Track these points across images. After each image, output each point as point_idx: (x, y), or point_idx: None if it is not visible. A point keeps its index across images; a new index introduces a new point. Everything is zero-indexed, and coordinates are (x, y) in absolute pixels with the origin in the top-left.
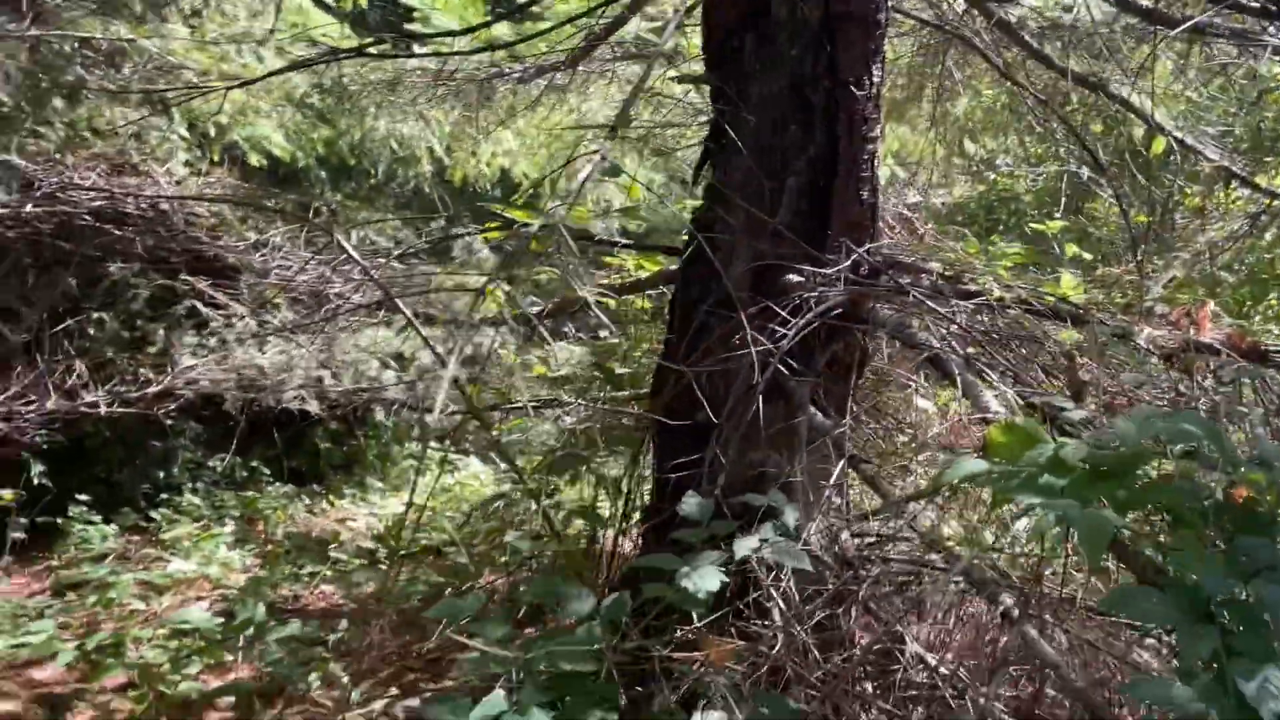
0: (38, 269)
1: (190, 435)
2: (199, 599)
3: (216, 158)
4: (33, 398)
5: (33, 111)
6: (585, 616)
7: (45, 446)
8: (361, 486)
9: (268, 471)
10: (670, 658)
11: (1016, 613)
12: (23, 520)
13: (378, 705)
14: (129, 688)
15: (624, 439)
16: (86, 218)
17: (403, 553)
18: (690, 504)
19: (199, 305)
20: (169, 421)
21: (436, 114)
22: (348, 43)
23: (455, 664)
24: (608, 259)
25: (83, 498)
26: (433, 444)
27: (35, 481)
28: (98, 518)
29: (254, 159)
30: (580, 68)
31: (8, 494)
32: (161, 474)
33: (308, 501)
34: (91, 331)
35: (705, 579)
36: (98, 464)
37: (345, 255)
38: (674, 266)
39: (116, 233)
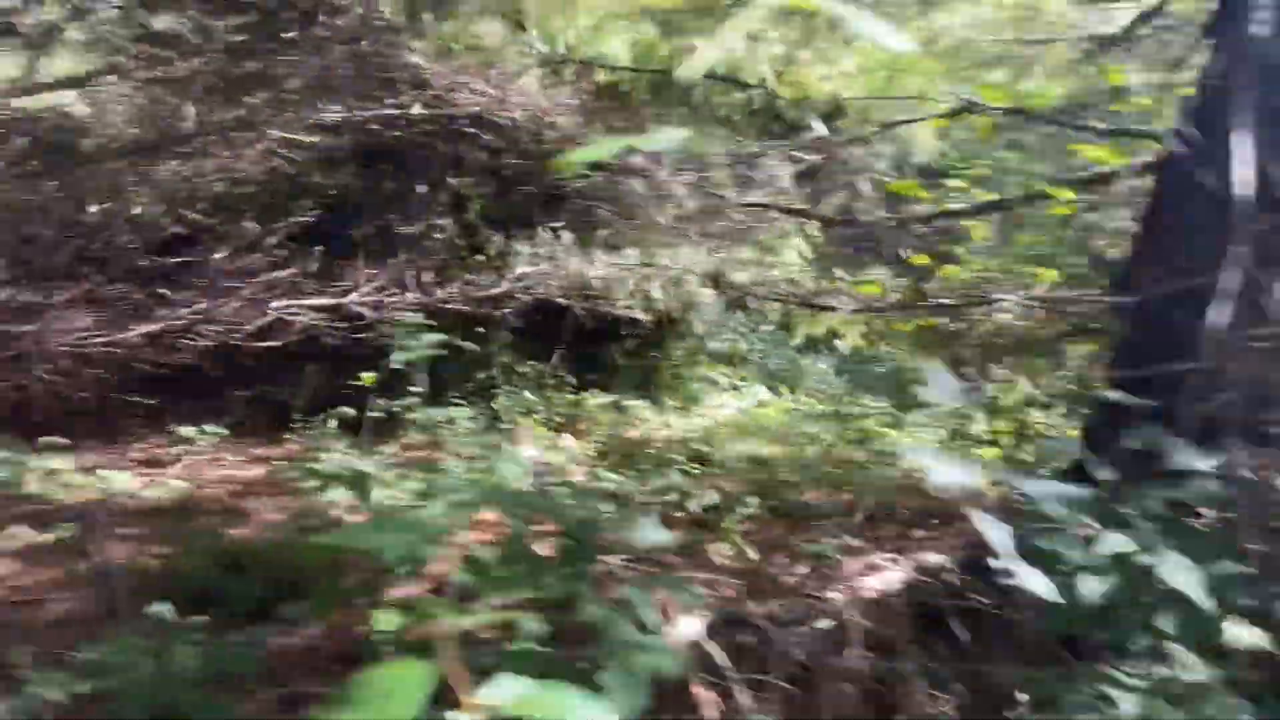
0: (406, 171)
1: (501, 341)
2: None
3: (568, 74)
4: (396, 290)
5: (409, 24)
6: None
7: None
8: (656, 403)
9: (572, 381)
10: None
11: None
12: (380, 401)
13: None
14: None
15: (1073, 337)
16: (463, 121)
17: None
18: None
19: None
20: (479, 329)
21: (774, 32)
22: None
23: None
24: (1072, 146)
25: (416, 389)
26: (720, 368)
27: (393, 367)
28: (461, 401)
29: (601, 75)
30: None
31: (369, 376)
32: (480, 374)
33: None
34: (437, 236)
35: None
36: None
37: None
38: (1142, 160)
39: (486, 138)
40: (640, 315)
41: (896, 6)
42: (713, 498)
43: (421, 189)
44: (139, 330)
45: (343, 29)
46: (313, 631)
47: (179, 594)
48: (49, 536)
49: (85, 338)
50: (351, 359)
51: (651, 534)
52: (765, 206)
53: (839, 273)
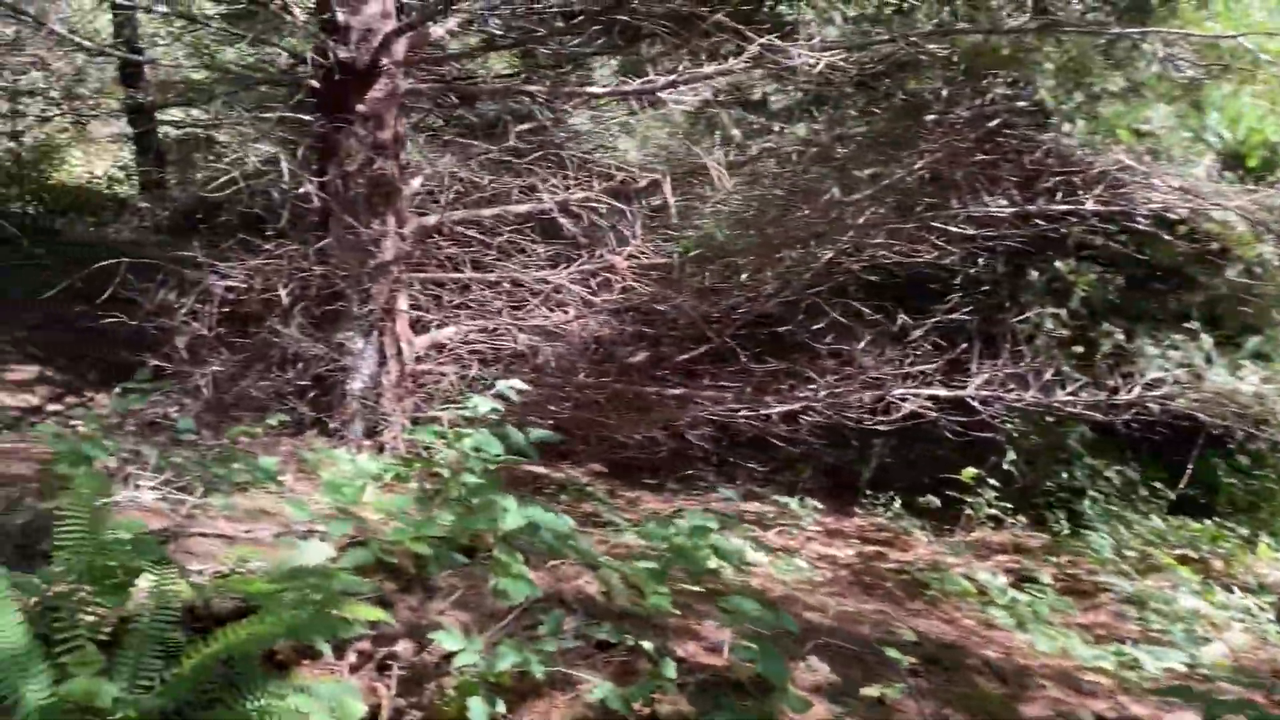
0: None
1: (1076, 437)
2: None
3: (1254, 163)
4: (1014, 386)
5: (1057, 108)
6: None
7: (1015, 435)
8: (1271, 532)
9: (1170, 495)
10: None
11: None
12: (982, 500)
13: None
14: None
15: None
16: (1142, 219)
17: None
18: None
19: None
20: (1048, 418)
21: None
22: None
23: None
24: None
25: (993, 482)
26: None
27: (1003, 466)
28: (1102, 529)
29: (1252, 159)
30: None
31: (970, 471)
32: (1063, 475)
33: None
34: (1049, 328)
35: None
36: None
37: None
38: None
39: (1165, 237)
40: None
41: None
42: None
43: (1034, 276)
44: (780, 409)
45: (985, 110)
46: None
47: None
48: (870, 691)
49: (734, 410)
50: (918, 437)
51: None
52: None
53: None
